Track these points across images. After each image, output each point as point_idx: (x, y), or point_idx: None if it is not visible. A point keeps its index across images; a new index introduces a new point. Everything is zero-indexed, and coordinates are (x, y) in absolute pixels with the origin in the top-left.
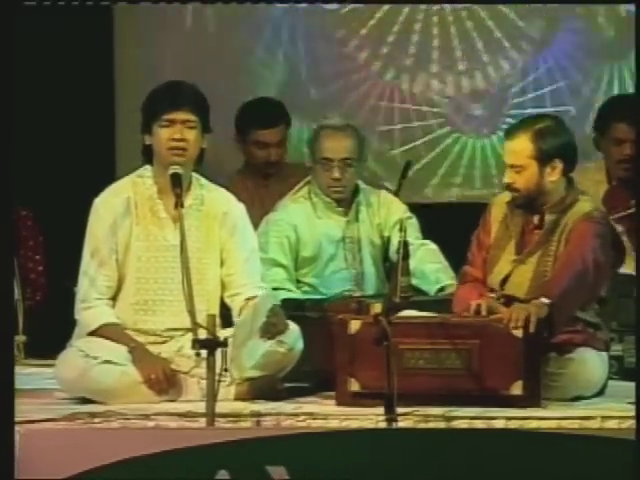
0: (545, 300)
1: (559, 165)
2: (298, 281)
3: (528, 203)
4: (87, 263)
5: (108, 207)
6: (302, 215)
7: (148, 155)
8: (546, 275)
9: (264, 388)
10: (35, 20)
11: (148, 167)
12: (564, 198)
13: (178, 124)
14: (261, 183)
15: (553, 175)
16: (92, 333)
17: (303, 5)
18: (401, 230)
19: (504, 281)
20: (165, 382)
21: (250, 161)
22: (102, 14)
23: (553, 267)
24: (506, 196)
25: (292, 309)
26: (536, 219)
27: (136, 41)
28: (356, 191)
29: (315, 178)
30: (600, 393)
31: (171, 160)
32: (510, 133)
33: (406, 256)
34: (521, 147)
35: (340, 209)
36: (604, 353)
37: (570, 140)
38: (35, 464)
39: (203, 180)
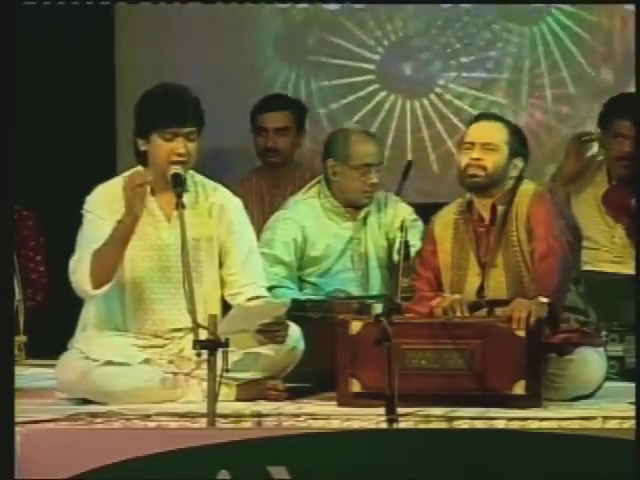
0: (544, 299)
1: (520, 165)
2: (302, 280)
3: (487, 187)
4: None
5: (99, 206)
6: (311, 215)
7: (142, 159)
8: (520, 266)
9: (265, 389)
10: (35, 20)
11: (140, 168)
12: (510, 189)
13: (181, 137)
14: (273, 183)
15: (514, 172)
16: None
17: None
18: (402, 230)
19: (480, 291)
20: (140, 179)
21: (257, 153)
22: (103, 14)
23: (523, 257)
24: (448, 212)
25: (293, 309)
26: (487, 215)
27: (137, 41)
28: None
29: (343, 181)
30: (597, 390)
31: (171, 171)
32: (485, 117)
33: (407, 256)
34: (498, 131)
35: (349, 210)
36: (602, 349)
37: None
38: (36, 464)
39: (198, 177)
